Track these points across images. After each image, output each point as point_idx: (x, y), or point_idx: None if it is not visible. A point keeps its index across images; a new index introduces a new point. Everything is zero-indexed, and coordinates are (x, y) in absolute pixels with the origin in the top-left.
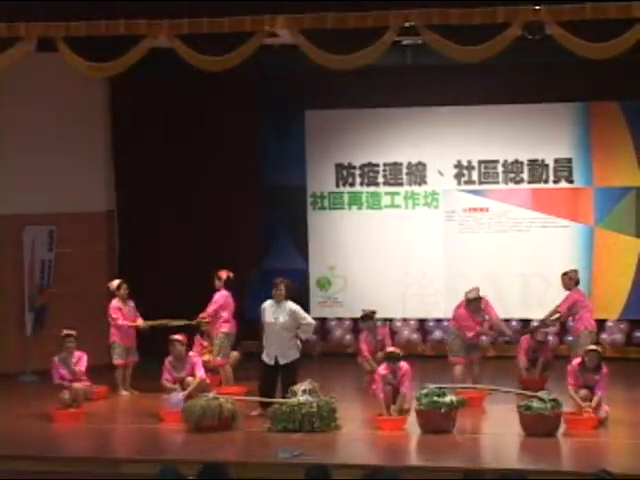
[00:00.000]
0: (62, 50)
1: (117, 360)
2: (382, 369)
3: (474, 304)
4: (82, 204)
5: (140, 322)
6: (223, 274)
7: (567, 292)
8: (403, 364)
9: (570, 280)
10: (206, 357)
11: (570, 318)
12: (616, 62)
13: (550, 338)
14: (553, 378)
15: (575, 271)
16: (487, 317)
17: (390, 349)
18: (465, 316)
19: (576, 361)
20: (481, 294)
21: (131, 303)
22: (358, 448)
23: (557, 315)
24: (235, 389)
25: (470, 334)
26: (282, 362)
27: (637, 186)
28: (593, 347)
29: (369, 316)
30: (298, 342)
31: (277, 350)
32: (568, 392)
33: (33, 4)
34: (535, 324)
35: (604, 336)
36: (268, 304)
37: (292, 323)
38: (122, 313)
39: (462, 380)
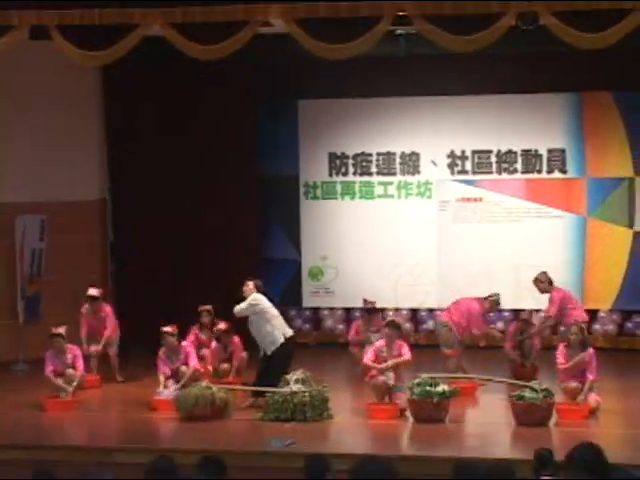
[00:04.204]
0: (55, 38)
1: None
2: (378, 342)
3: (493, 306)
4: (75, 192)
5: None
6: None
7: (547, 295)
8: (397, 340)
9: (542, 283)
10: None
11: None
12: (609, 52)
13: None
14: (545, 369)
15: (544, 273)
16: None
17: (391, 318)
18: (479, 314)
19: (562, 344)
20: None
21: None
22: (350, 437)
23: (551, 322)
24: (228, 379)
25: (478, 332)
26: (268, 353)
27: (630, 176)
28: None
29: (375, 309)
30: (276, 332)
31: (260, 344)
32: (558, 372)
33: None
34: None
35: (596, 327)
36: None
37: (252, 317)
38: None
39: (455, 371)
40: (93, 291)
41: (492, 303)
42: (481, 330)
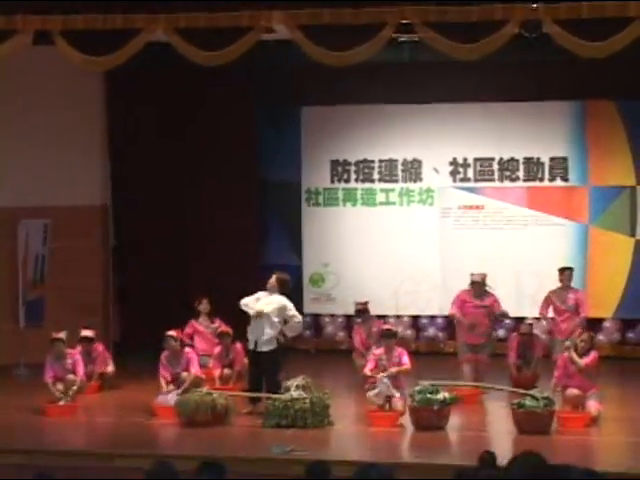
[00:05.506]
0: (59, 43)
1: None
2: (377, 350)
3: (476, 287)
4: (77, 198)
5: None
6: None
7: (570, 288)
8: (397, 347)
9: (570, 278)
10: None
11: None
12: (612, 60)
13: (544, 336)
14: (545, 376)
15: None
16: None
17: (386, 326)
18: (460, 298)
19: (565, 356)
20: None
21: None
22: (350, 444)
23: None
24: (229, 385)
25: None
26: (259, 349)
27: (632, 185)
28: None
29: (364, 310)
30: (275, 337)
31: (256, 337)
32: (554, 386)
33: None
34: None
35: (601, 337)
36: (261, 293)
37: (278, 316)
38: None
39: (468, 378)
40: (87, 332)
41: (473, 281)
42: (453, 311)
